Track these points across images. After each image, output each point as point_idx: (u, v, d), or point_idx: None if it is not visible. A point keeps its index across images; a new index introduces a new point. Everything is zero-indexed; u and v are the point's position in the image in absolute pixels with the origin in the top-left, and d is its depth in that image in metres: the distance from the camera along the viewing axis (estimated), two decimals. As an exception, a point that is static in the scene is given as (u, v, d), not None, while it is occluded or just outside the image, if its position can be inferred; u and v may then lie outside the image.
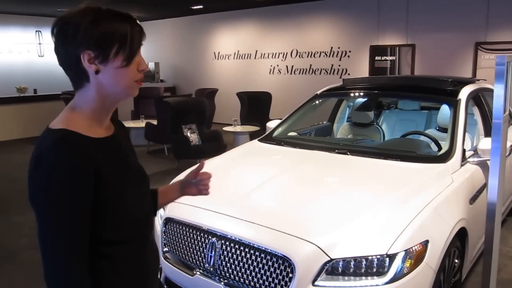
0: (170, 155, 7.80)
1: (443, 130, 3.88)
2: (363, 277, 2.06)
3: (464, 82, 3.79)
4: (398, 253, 2.08)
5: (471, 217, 2.74)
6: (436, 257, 2.23)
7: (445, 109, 3.87)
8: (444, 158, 2.98)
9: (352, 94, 4.30)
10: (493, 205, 2.35)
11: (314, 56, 10.50)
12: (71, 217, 1.03)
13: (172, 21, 13.40)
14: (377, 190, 2.59)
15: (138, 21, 1.19)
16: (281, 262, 2.10)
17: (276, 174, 2.88)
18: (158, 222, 2.77)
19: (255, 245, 2.18)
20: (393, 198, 2.47)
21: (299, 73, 10.79)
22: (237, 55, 11.99)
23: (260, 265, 2.16)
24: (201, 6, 10.88)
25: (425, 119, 4.80)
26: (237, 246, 2.25)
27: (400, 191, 2.56)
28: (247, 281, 2.20)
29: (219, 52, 12.40)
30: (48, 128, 1.12)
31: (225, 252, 2.28)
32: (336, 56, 10.12)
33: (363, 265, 2.07)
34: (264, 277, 2.14)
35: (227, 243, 2.29)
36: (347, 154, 3.17)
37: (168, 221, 2.65)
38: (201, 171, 1.57)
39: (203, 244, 2.39)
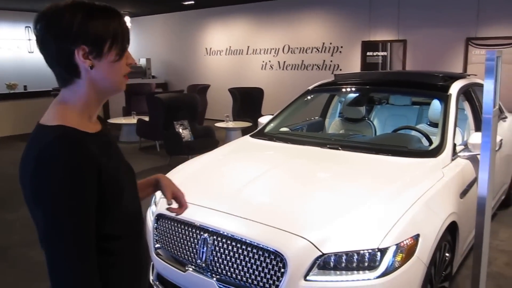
0: (162, 152, 7.78)
1: (434, 125, 3.89)
2: (355, 272, 2.07)
3: (455, 77, 3.81)
4: (389, 247, 2.09)
5: (461, 211, 2.76)
6: (427, 251, 2.25)
7: (436, 104, 3.89)
8: (435, 152, 3.00)
9: (343, 90, 4.30)
10: (483, 199, 2.37)
11: (306, 51, 10.49)
12: (81, 213, 1.03)
13: (163, 17, 13.33)
14: (368, 184, 2.60)
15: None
16: (273, 257, 2.11)
17: (268, 170, 2.88)
18: (150, 219, 2.76)
19: (247, 241, 2.19)
20: (384, 192, 2.48)
21: (291, 69, 10.79)
22: (229, 51, 11.96)
23: (252, 260, 2.16)
24: (193, 2, 10.83)
25: (416, 114, 4.82)
26: (229, 242, 2.25)
27: (391, 185, 2.57)
28: (239, 277, 2.20)
29: (211, 48, 12.36)
30: (41, 124, 1.10)
31: (217, 248, 2.28)
32: (328, 51, 10.13)
33: (355, 260, 2.08)
34: (256, 272, 2.15)
35: (219, 238, 2.28)
36: (339, 149, 3.18)
37: (159, 217, 2.64)
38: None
39: (195, 240, 2.39)
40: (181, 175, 2.93)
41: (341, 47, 9.92)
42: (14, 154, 4.68)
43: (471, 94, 3.80)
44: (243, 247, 2.19)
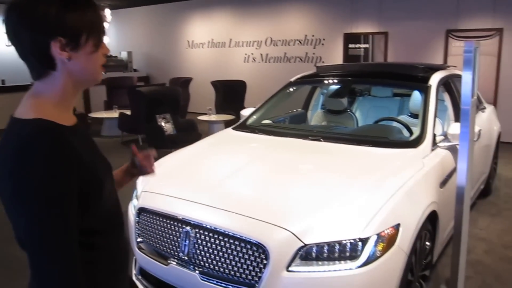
0: (144, 146, 7.71)
1: (415, 116, 3.93)
2: (337, 262, 2.09)
3: (435, 69, 3.84)
4: (370, 237, 2.11)
5: (441, 200, 2.80)
6: (407, 240, 2.28)
7: (416, 95, 3.93)
8: (415, 143, 3.03)
9: (325, 81, 4.31)
10: (462, 188, 2.41)
11: (288, 44, 10.49)
12: (66, 209, 1.01)
13: (144, 9, 13.17)
14: (350, 175, 2.62)
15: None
16: (255, 249, 2.11)
17: (250, 162, 2.88)
18: (132, 213, 2.74)
19: (229, 233, 2.18)
20: (365, 183, 2.50)
21: (274, 61, 10.78)
22: (211, 43, 11.89)
23: (235, 253, 2.16)
24: (174, -6, 10.73)
25: (397, 106, 4.87)
26: (211, 234, 2.24)
27: (372, 176, 2.59)
28: (221, 269, 2.20)
29: (193, 41, 12.27)
30: (16, 118, 1.07)
31: (199, 241, 2.27)
32: (311, 44, 10.14)
33: (337, 250, 2.09)
34: (239, 264, 2.15)
35: (201, 231, 2.27)
36: (321, 141, 3.19)
37: (141, 211, 2.61)
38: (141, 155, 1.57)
39: (177, 233, 2.37)
40: (163, 169, 2.90)
41: (323, 39, 9.94)
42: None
43: (450, 85, 3.85)
44: (225, 239, 2.19)
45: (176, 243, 2.37)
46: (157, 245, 2.49)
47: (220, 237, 2.21)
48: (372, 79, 4.12)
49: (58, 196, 0.99)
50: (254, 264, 2.11)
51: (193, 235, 2.30)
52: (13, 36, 1.07)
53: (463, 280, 2.51)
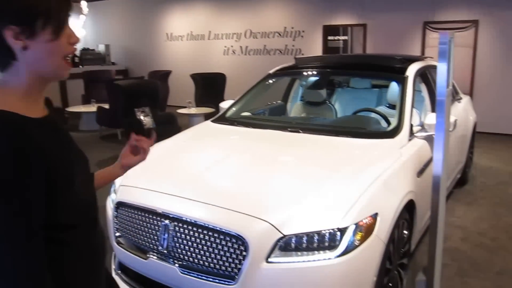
0: (123, 140, 7.62)
1: (393, 107, 3.97)
2: (316, 252, 2.10)
3: (412, 60, 3.88)
4: (348, 226, 2.13)
5: (418, 189, 2.84)
6: (385, 229, 2.30)
7: (394, 87, 3.96)
8: (392, 133, 3.06)
9: (304, 73, 4.32)
10: (438, 178, 2.44)
11: (268, 36, 10.47)
12: (29, 204, 0.97)
13: (122, 1, 12.97)
14: (328, 166, 2.64)
15: None
16: (234, 241, 2.10)
17: (229, 154, 2.87)
18: (110, 207, 2.71)
19: (208, 226, 2.17)
20: (343, 173, 2.52)
21: (254, 54, 10.75)
22: (190, 36, 11.79)
23: (214, 245, 2.15)
24: (152, -14, 10.58)
25: (376, 97, 4.91)
26: (190, 227, 2.23)
27: (350, 166, 2.61)
28: (201, 262, 2.19)
29: (171, 33, 12.15)
30: None
31: (178, 234, 2.26)
32: (290, 36, 10.14)
33: (315, 240, 2.11)
34: (218, 257, 2.14)
35: (180, 224, 2.26)
36: (299, 132, 3.20)
37: (119, 205, 2.58)
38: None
39: (156, 227, 2.35)
40: (141, 162, 2.87)
41: (303, 31, 9.95)
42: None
43: (427, 76, 3.90)
44: (205, 232, 2.18)
45: (155, 237, 2.36)
46: (136, 239, 2.47)
47: (199, 230, 2.20)
48: (350, 71, 4.15)
49: (21, 191, 0.96)
50: (234, 256, 2.11)
51: (172, 228, 2.28)
52: None
53: (440, 268, 2.55)
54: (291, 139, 3.15)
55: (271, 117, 4.23)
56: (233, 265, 2.11)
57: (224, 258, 2.13)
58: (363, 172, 2.53)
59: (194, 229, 2.22)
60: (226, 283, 2.12)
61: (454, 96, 4.76)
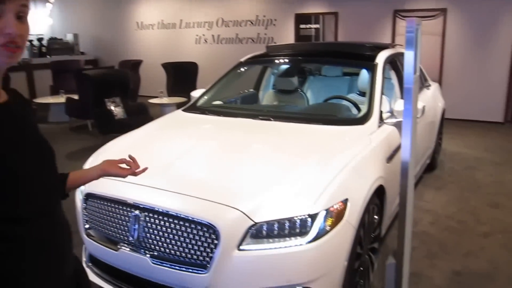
0: (94, 131, 7.47)
1: (364, 94, 4.01)
2: (287, 238, 2.11)
3: (381, 47, 3.92)
4: (319, 212, 2.15)
5: (388, 175, 2.88)
6: (356, 214, 2.33)
7: (364, 74, 3.99)
8: (362, 120, 3.09)
9: (275, 61, 4.31)
10: (406, 163, 2.47)
11: (240, 25, 10.40)
12: None
13: (89, -11, 12.65)
14: (299, 153, 2.64)
15: None
16: (205, 229, 2.10)
17: (200, 143, 2.85)
18: (79, 198, 2.66)
19: (179, 215, 2.16)
20: (313, 160, 2.53)
21: (226, 43, 10.68)
22: (161, 24, 11.61)
23: (185, 234, 2.14)
24: (120, -27, 10.35)
25: (347, 85, 4.95)
26: (161, 217, 2.21)
27: (321, 153, 2.63)
28: (172, 251, 2.17)
29: (142, 22, 11.93)
30: None
31: (149, 224, 2.24)
32: (262, 24, 10.10)
33: (287, 227, 2.12)
34: (190, 246, 2.13)
35: (151, 214, 2.24)
36: (271, 120, 3.20)
37: (88, 197, 2.54)
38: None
39: (126, 218, 2.32)
40: (110, 153, 2.83)
41: (275, 20, 9.92)
42: None
43: (396, 63, 3.94)
44: (175, 221, 2.16)
45: (126, 228, 2.32)
46: (106, 231, 2.44)
47: (170, 220, 2.18)
48: (321, 58, 4.16)
49: None
50: (205, 244, 2.10)
51: (142, 218, 2.26)
52: None
53: (409, 251, 2.60)
54: (262, 127, 3.15)
55: (242, 106, 4.22)
56: (204, 254, 2.11)
57: (196, 247, 2.12)
58: (333, 159, 2.55)
59: (165, 219, 2.20)
60: (198, 272, 2.11)
61: (423, 83, 4.84)
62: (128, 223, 2.31)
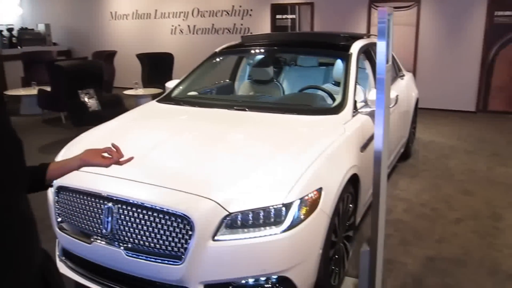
0: (68, 123, 7.33)
1: (339, 84, 4.02)
2: (262, 228, 2.12)
3: (356, 37, 3.94)
4: (293, 201, 2.16)
5: (362, 164, 2.91)
6: (330, 203, 2.35)
7: (339, 64, 4.01)
8: (337, 109, 3.11)
9: (251, 51, 4.29)
10: (379, 152, 2.50)
11: (216, 15, 10.32)
12: None
13: (61, -22, 12.33)
14: (274, 143, 2.64)
15: None
16: (180, 220, 2.08)
17: (174, 134, 2.82)
18: (50, 191, 2.60)
19: (152, 206, 2.14)
20: (288, 150, 2.53)
21: (202, 33, 10.58)
22: (135, 14, 11.42)
23: (159, 226, 2.12)
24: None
25: (323, 75, 4.96)
26: (134, 209, 2.18)
27: (295, 143, 2.63)
28: (147, 243, 2.16)
29: (116, 12, 11.71)
30: None
31: (122, 216, 2.21)
32: (238, 15, 10.04)
33: (261, 216, 2.12)
34: (164, 237, 2.12)
35: (124, 206, 2.21)
36: (246, 110, 3.19)
37: (60, 189, 2.49)
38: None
39: (99, 210, 2.29)
40: (83, 144, 2.77)
41: (251, 10, 9.87)
42: None
43: (371, 53, 3.97)
44: (149, 213, 2.14)
45: (99, 220, 2.29)
46: (79, 224, 2.40)
47: (144, 211, 2.16)
48: (296, 48, 4.15)
49: None
50: (180, 236, 2.09)
51: (115, 211, 2.23)
52: None
53: (383, 238, 2.64)
54: (237, 117, 3.14)
55: (217, 96, 4.20)
56: (179, 245, 2.10)
57: (170, 239, 2.11)
58: (308, 148, 2.56)
59: (139, 210, 2.17)
60: (173, 263, 2.10)
61: (397, 73, 4.90)
62: (101, 216, 2.28)
